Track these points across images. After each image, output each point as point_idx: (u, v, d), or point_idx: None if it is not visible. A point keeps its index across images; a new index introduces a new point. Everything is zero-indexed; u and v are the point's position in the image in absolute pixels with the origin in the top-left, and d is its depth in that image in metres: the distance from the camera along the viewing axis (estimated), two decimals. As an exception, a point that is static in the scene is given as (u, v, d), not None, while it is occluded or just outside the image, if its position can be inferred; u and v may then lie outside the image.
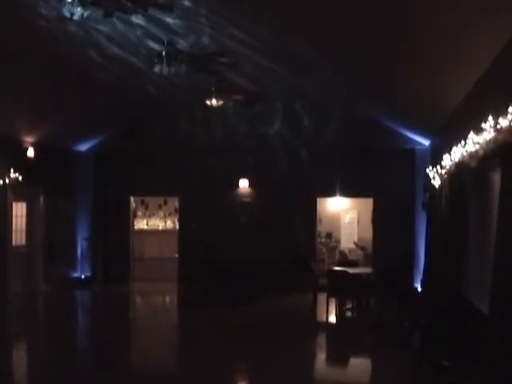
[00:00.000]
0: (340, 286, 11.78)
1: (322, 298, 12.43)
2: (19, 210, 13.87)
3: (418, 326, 9.38)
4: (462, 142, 6.66)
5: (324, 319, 11.84)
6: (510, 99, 4.68)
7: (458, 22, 5.79)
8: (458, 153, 7.10)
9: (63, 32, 8.45)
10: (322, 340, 11.09)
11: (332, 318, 11.86)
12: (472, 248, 7.62)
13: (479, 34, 5.79)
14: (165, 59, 8.97)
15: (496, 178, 5.89)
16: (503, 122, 4.79)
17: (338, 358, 9.60)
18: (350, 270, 12.12)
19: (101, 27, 8.42)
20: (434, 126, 11.13)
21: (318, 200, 15.87)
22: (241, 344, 9.81)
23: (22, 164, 12.91)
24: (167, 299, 15.97)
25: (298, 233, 15.39)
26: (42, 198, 14.41)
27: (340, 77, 11.07)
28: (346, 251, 17.25)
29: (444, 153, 8.34)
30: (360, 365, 9.28)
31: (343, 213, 18.40)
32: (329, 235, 18.42)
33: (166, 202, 22.20)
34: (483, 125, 5.33)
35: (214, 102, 11.58)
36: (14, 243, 13.39)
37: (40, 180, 13.89)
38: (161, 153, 15.65)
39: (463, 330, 6.95)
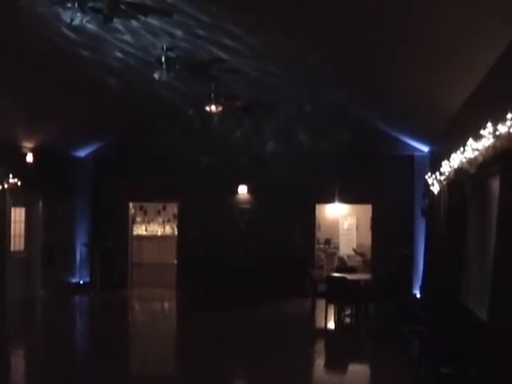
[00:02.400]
0: (339, 293, 11.77)
1: (320, 304, 12.41)
2: (18, 215, 13.85)
3: (417, 332, 9.35)
4: (461, 149, 6.67)
5: (323, 325, 11.80)
6: (508, 106, 4.69)
7: (457, 29, 5.81)
8: (457, 159, 7.11)
9: (63, 37, 8.47)
10: (320, 346, 11.07)
11: (331, 325, 11.84)
12: (471, 254, 7.63)
13: (477, 41, 5.81)
14: (164, 65, 8.97)
15: (495, 184, 5.90)
16: (502, 129, 4.80)
17: (336, 364, 9.59)
18: (349, 277, 12.11)
19: (100, 33, 8.43)
20: (433, 132, 11.15)
21: (317, 206, 15.86)
22: (239, 349, 9.80)
23: (21, 169, 12.92)
24: (166, 305, 15.92)
25: (297, 239, 15.37)
26: (40, 203, 14.40)
27: (339, 83, 11.09)
28: (345, 257, 17.25)
29: (443, 159, 8.35)
30: (358, 371, 9.28)
31: (342, 219, 18.40)
32: (328, 241, 18.42)
33: (164, 208, 22.22)
34: (482, 131, 5.34)
35: (213, 108, 11.60)
36: (12, 248, 13.36)
37: (39, 185, 13.89)
38: (160, 159, 15.65)
39: (462, 336, 6.94)
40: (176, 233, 17.43)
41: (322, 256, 17.60)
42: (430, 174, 10.29)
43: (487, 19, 5.25)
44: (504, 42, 5.36)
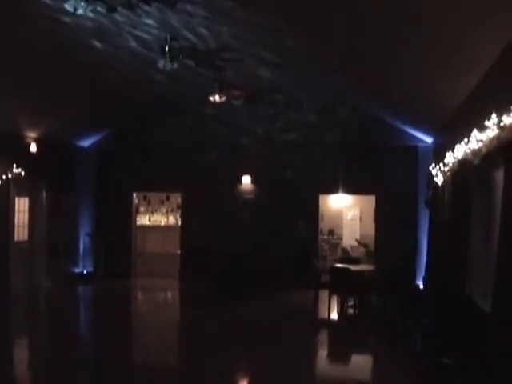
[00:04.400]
0: (342, 283, 11.76)
1: (323, 295, 12.41)
2: (21, 205, 13.86)
3: (420, 324, 9.36)
4: (465, 140, 6.64)
5: (326, 316, 11.82)
6: (513, 97, 4.66)
7: (461, 20, 5.76)
8: (461, 150, 7.08)
9: (65, 27, 8.44)
10: (323, 337, 11.09)
11: (334, 316, 11.85)
12: (475, 245, 7.61)
13: (482, 32, 5.76)
14: (168, 55, 8.94)
15: (499, 175, 5.88)
16: (507, 120, 4.78)
17: (339, 355, 9.60)
18: (352, 267, 12.10)
19: (103, 22, 8.40)
20: (437, 123, 11.10)
21: (321, 197, 15.87)
22: (242, 341, 9.82)
23: (24, 159, 12.92)
24: (169, 295, 15.97)
25: (301, 229, 15.37)
26: (44, 194, 14.42)
27: (342, 75, 11.04)
28: (349, 248, 17.24)
29: (447, 150, 8.32)
30: (361, 362, 9.28)
31: (345, 210, 18.37)
32: (331, 232, 18.41)
33: (168, 198, 22.15)
34: (486, 122, 5.31)
35: (216, 98, 11.57)
36: (16, 238, 13.37)
37: (42, 175, 13.91)
38: (163, 149, 15.67)
39: (465, 328, 6.94)
40: (180, 223, 17.45)
41: (326, 247, 17.60)
42: (433, 164, 10.25)
43: (491, 13, 5.20)
44: (508, 34, 5.31)
